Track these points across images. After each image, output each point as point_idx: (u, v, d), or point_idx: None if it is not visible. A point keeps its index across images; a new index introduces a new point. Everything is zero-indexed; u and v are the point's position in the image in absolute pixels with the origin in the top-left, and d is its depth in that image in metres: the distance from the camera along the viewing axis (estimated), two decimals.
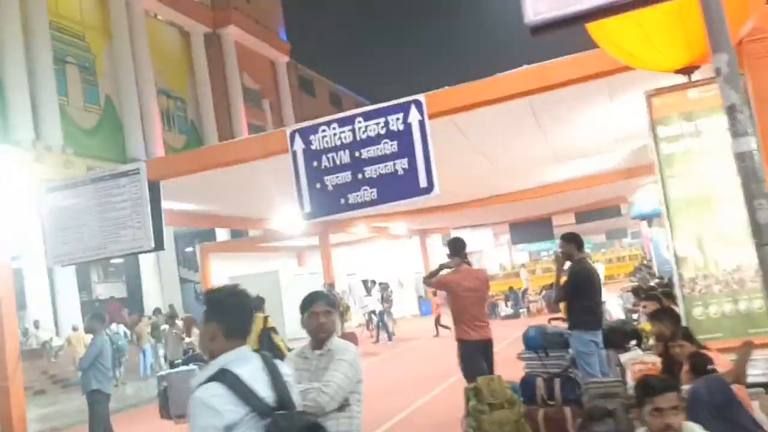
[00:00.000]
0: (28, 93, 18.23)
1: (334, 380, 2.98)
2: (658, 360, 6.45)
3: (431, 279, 7.04)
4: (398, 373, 12.72)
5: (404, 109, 7.31)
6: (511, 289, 22.37)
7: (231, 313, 2.22)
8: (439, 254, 29.28)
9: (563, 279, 5.75)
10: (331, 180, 7.58)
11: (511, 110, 8.08)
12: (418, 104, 7.21)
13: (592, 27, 5.49)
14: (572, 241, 5.57)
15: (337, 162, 7.57)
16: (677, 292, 5.16)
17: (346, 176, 7.51)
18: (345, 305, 18.10)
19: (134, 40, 22.84)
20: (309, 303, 3.24)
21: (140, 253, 9.04)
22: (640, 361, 6.21)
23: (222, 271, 21.70)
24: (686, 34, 4.95)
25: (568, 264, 5.74)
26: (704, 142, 5.08)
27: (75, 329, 16.38)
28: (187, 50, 26.59)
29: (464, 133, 8.74)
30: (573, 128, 9.50)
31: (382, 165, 7.35)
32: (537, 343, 5.72)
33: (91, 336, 9.86)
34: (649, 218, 15.30)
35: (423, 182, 7.20)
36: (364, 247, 25.53)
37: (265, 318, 9.28)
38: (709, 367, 3.97)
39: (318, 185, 7.67)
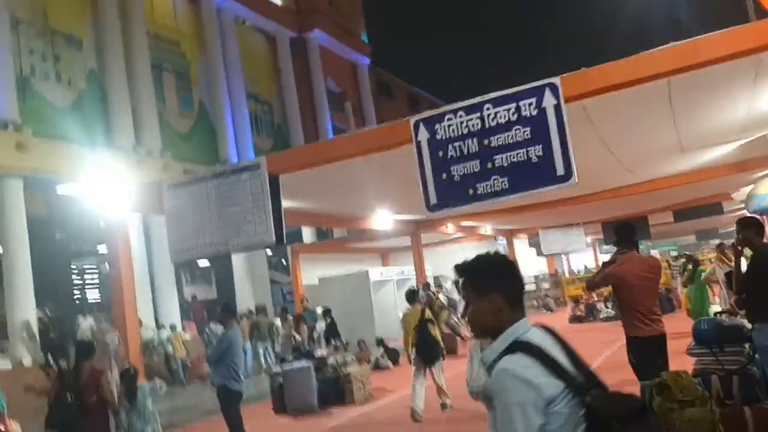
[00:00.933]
0: (129, 99, 18.81)
1: None
2: None
3: (596, 280, 6.52)
4: None
5: (537, 93, 6.97)
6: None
7: (512, 281, 1.97)
8: (526, 255, 28.66)
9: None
10: (458, 170, 7.31)
11: (646, 93, 7.61)
12: (553, 87, 6.86)
13: None
14: (751, 226, 5.11)
15: (465, 151, 7.30)
16: None
17: (474, 165, 7.23)
18: (440, 305, 17.77)
19: (225, 47, 23.32)
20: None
21: (262, 247, 9.08)
22: None
23: (309, 272, 21.86)
24: None
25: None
26: None
27: (173, 329, 16.76)
28: (274, 55, 27.00)
29: (591, 120, 8.31)
30: (707, 113, 8.93)
31: (513, 153, 7.03)
32: (711, 337, 5.28)
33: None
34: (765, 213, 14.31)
35: (560, 170, 6.83)
36: (448, 249, 25.19)
37: (423, 310, 9.11)
38: None
39: (444, 175, 7.42)
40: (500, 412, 1.76)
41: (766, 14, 7.11)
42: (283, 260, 23.29)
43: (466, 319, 2.01)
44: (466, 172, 7.24)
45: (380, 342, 14.62)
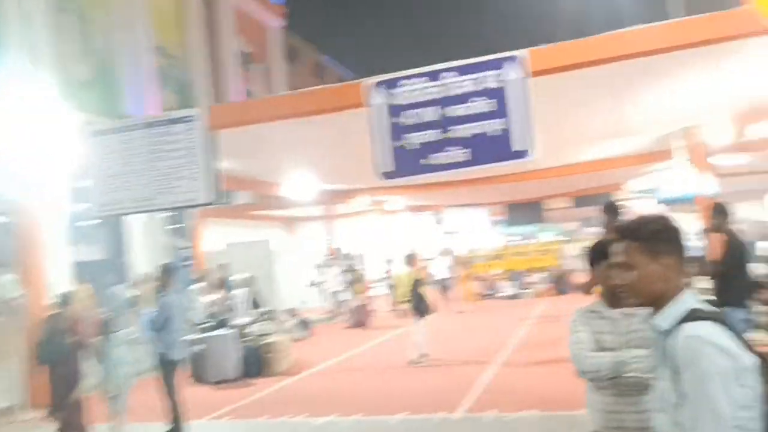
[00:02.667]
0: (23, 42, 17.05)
1: None
2: None
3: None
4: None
5: (501, 64, 6.83)
6: (510, 269, 22.22)
7: (682, 246, 1.79)
8: (430, 232, 29.02)
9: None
10: (415, 138, 7.08)
11: (600, 75, 7.72)
12: (520, 60, 6.76)
13: None
14: (722, 212, 5.25)
15: (423, 119, 7.07)
16: None
17: (432, 134, 7.02)
18: (359, 275, 17.67)
19: None
20: (607, 253, 2.71)
21: (196, 206, 8.45)
22: (761, 343, 5.96)
23: (212, 238, 21.04)
24: None
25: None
26: None
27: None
28: (183, 7, 25.48)
29: (535, 98, 8.31)
30: (647, 100, 9.20)
31: (474, 124, 6.88)
32: None
33: None
34: (675, 203, 15.17)
35: (520, 145, 6.76)
36: (353, 221, 24.98)
37: (416, 272, 10.47)
38: None
39: (400, 143, 7.18)
40: (694, 383, 1.60)
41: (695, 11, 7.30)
42: (185, 222, 22.24)
43: (623, 285, 1.81)
44: (423, 140, 7.03)
45: (293, 312, 14.27)
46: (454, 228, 26.84)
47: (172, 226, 23.25)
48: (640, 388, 2.51)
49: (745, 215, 15.20)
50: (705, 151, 13.11)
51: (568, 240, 32.62)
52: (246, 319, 10.64)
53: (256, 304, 11.80)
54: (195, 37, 25.35)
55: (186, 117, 7.93)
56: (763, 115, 9.96)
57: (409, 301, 10.20)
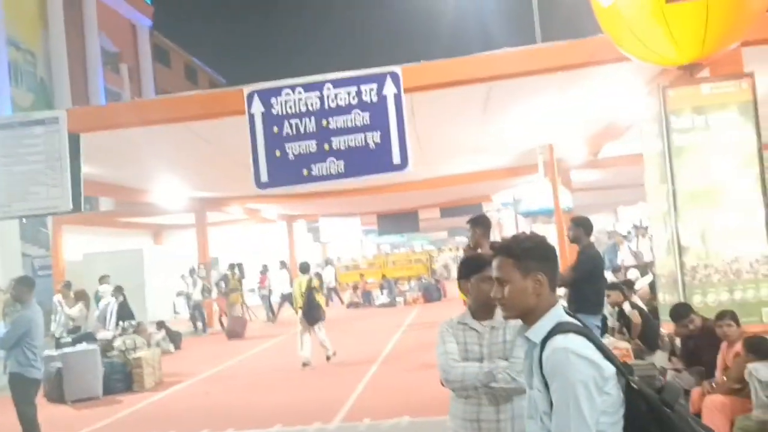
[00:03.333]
0: None
1: None
2: (628, 346, 6.79)
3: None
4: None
5: (379, 79, 7.00)
6: (384, 277, 22.61)
7: (554, 263, 1.92)
8: (305, 241, 28.89)
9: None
10: (292, 148, 7.08)
11: (471, 93, 8.10)
12: (395, 76, 6.95)
13: (608, 12, 5.61)
14: (582, 225, 5.64)
15: (301, 129, 7.09)
16: (678, 280, 5.39)
17: (310, 145, 7.06)
18: (234, 286, 17.23)
19: None
20: (479, 266, 2.83)
21: (54, 214, 7.89)
22: (614, 347, 6.48)
23: (75, 246, 19.85)
24: (706, 30, 5.18)
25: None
26: (713, 137, 5.37)
27: None
28: (43, 1, 23.84)
29: (414, 113, 8.58)
30: (511, 120, 9.73)
31: (351, 136, 7.00)
32: None
33: None
34: (535, 216, 16.12)
35: (396, 158, 6.95)
36: (226, 229, 24.41)
37: (310, 279, 10.76)
38: None
39: (278, 153, 7.13)
40: (560, 391, 1.72)
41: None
42: (43, 229, 20.71)
43: (498, 299, 1.92)
44: (301, 151, 7.04)
45: (161, 324, 13.69)
46: (328, 237, 26.90)
47: (28, 233, 21.64)
48: (502, 397, 2.69)
49: (600, 226, 16.44)
50: (563, 166, 14.08)
51: (439, 249, 33.71)
52: (111, 333, 10.07)
53: (126, 316, 11.22)
54: (55, 32, 23.77)
55: (48, 119, 7.42)
56: (616, 136, 10.84)
57: (302, 307, 10.50)
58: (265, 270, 20.66)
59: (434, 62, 7.07)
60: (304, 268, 11.04)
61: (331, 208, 24.60)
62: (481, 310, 2.83)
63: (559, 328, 1.80)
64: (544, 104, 9.05)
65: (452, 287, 20.17)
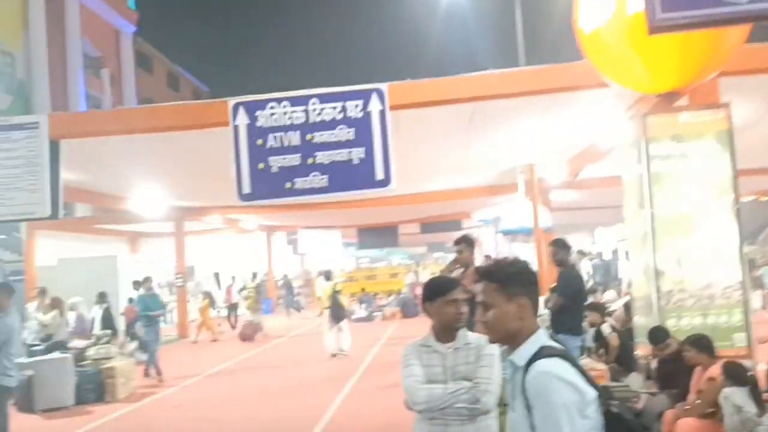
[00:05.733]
0: None
1: (493, 377, 2.72)
2: (605, 367, 6.85)
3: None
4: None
5: (365, 96, 7.05)
6: (363, 291, 22.54)
7: (536, 288, 1.95)
8: (283, 252, 28.76)
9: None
10: (276, 161, 7.08)
11: (456, 113, 8.17)
12: (380, 93, 6.99)
13: (590, 39, 5.72)
14: (564, 247, 5.70)
15: (285, 143, 7.09)
16: (653, 303, 5.47)
17: (294, 159, 7.06)
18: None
19: None
20: (445, 289, 2.85)
21: (31, 219, 7.77)
22: (590, 368, 6.53)
23: (48, 252, 19.54)
24: (685, 59, 5.30)
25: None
26: (690, 164, 5.47)
27: None
28: (24, 2, 23.61)
29: (399, 129, 8.62)
30: (493, 139, 9.83)
31: (335, 151, 7.02)
32: None
33: None
34: (515, 234, 16.25)
35: (380, 174, 6.99)
36: (204, 239, 24.26)
37: (334, 285, 12.78)
38: (750, 374, 4.30)
39: (261, 165, 7.12)
40: (542, 415, 1.74)
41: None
42: (16, 233, 20.39)
43: (483, 322, 1.94)
44: (285, 164, 7.04)
45: (133, 335, 13.52)
46: (306, 249, 26.82)
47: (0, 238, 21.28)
48: (467, 417, 2.72)
49: (577, 246, 16.58)
50: (543, 187, 14.24)
51: (417, 264, 33.77)
52: (83, 342, 9.93)
53: (108, 324, 11.07)
54: (36, 34, 23.52)
55: (28, 124, 7.34)
56: (596, 158, 10.98)
57: (328, 308, 12.44)
58: (231, 282, 20.67)
59: (420, 81, 7.14)
60: (328, 276, 13.27)
61: (311, 221, 24.57)
62: (445, 332, 2.88)
63: (542, 352, 1.83)
64: (527, 125, 9.16)
65: None
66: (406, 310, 20.52)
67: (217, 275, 19.95)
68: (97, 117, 8.87)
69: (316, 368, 11.12)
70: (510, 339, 1.92)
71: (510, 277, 1.94)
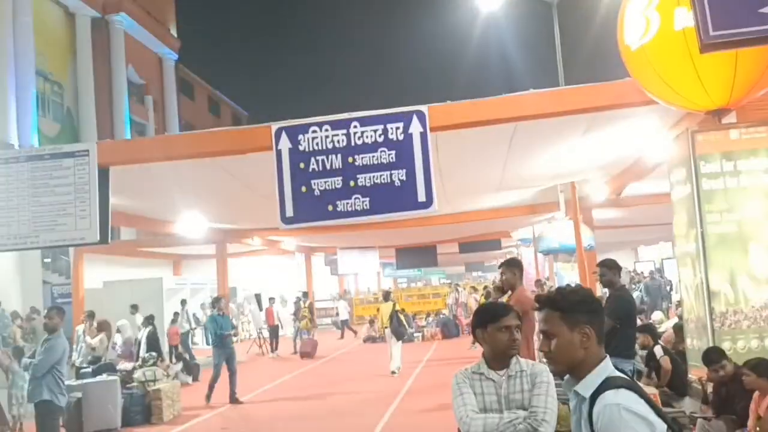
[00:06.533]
0: None
1: (550, 406, 2.66)
2: (657, 391, 6.66)
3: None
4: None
5: (405, 118, 7.07)
6: (403, 311, 22.41)
7: (600, 315, 1.91)
8: (322, 273, 28.87)
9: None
10: (318, 184, 7.13)
11: (497, 132, 8.12)
12: (421, 115, 7.01)
13: (636, 56, 5.64)
14: (614, 267, 5.60)
15: (327, 166, 7.15)
16: (707, 325, 5.31)
17: (336, 182, 7.10)
18: (306, 309, 17.86)
19: (16, 14, 20.58)
20: (497, 315, 2.80)
21: (81, 245, 7.97)
22: None
23: (94, 275, 19.96)
24: (735, 76, 5.18)
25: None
26: (742, 182, 5.33)
27: None
28: (72, 33, 24.41)
29: (438, 150, 8.62)
30: (534, 159, 9.75)
31: (377, 174, 7.04)
32: None
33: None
34: (556, 253, 16.03)
35: (421, 196, 6.98)
36: (245, 261, 24.53)
37: (394, 304, 13.79)
38: None
39: (303, 189, 7.18)
40: None
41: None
42: (64, 257, 20.90)
43: (545, 352, 1.91)
44: (327, 187, 7.08)
45: (180, 356, 13.68)
46: (346, 270, 26.88)
47: (49, 261, 21.86)
48: None
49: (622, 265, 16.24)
50: (585, 205, 14.04)
51: (456, 284, 33.54)
52: (130, 364, 10.08)
53: (154, 347, 11.23)
54: (84, 64, 24.34)
55: (78, 151, 7.55)
56: (639, 177, 10.79)
57: (389, 327, 13.22)
58: (271, 303, 20.78)
59: (460, 102, 7.12)
60: (387, 297, 14.43)
61: (349, 241, 24.65)
62: (497, 359, 2.81)
63: (609, 383, 1.78)
64: (568, 144, 9.06)
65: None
66: (446, 331, 20.35)
67: (258, 296, 20.05)
68: (143, 144, 9.08)
69: (360, 387, 11.06)
70: (574, 369, 1.88)
71: (573, 305, 1.89)
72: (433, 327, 20.75)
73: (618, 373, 1.85)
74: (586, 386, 1.83)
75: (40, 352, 5.90)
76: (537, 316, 1.98)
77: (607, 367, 1.86)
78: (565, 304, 1.90)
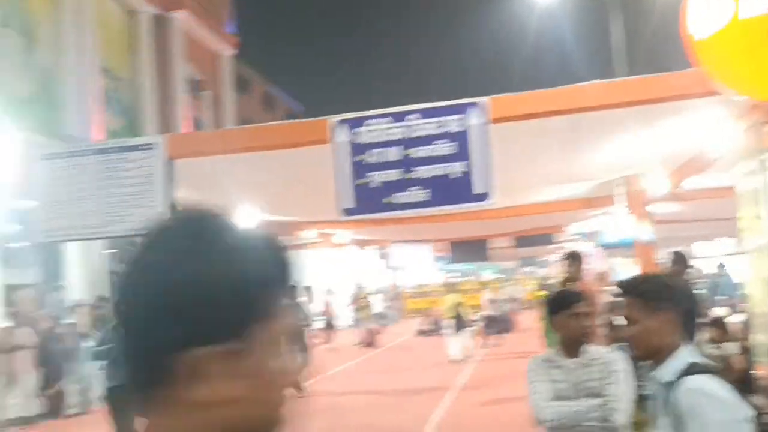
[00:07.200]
0: None
1: (624, 394, 2.67)
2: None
3: None
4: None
5: (465, 110, 7.08)
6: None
7: (686, 302, 1.93)
8: (376, 266, 29.10)
9: None
10: (376, 176, 7.21)
11: (553, 125, 8.04)
12: (480, 107, 7.01)
13: (702, 45, 5.52)
14: (680, 261, 5.50)
15: (385, 158, 7.22)
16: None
17: (394, 174, 7.17)
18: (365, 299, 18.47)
19: (80, 12, 21.33)
20: (569, 302, 2.83)
21: None
22: None
23: None
24: None
25: None
26: None
27: None
28: (133, 30, 25.14)
29: (494, 142, 8.58)
30: (592, 151, 9.61)
31: (435, 166, 7.07)
32: None
33: None
34: (614, 248, 15.79)
35: (479, 188, 6.99)
36: (300, 253, 24.87)
37: (457, 296, 15.02)
38: None
39: (362, 181, 7.29)
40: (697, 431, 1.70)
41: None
42: (130, 248, 21.61)
43: (627, 337, 1.93)
44: (385, 179, 7.17)
45: None
46: (398, 263, 27.05)
47: (111, 251, 22.63)
48: None
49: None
50: (643, 199, 13.73)
51: (508, 279, 33.30)
52: None
53: None
54: (144, 60, 25.06)
55: (145, 144, 7.83)
56: (700, 169, 10.51)
57: (452, 317, 14.28)
58: (328, 295, 21.08)
59: (519, 94, 7.08)
60: (451, 289, 15.39)
61: (402, 234, 24.72)
62: (570, 346, 2.83)
63: (691, 369, 1.79)
64: (628, 136, 8.89)
65: (523, 319, 19.82)
66: (498, 326, 20.27)
67: (309, 288, 20.38)
68: (207, 138, 9.34)
69: (410, 379, 11.14)
70: (654, 355, 1.89)
71: (654, 292, 1.91)
72: (479, 322, 20.74)
73: (700, 359, 1.85)
74: (667, 372, 1.84)
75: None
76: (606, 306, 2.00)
77: (687, 353, 1.87)
78: (645, 291, 1.92)
